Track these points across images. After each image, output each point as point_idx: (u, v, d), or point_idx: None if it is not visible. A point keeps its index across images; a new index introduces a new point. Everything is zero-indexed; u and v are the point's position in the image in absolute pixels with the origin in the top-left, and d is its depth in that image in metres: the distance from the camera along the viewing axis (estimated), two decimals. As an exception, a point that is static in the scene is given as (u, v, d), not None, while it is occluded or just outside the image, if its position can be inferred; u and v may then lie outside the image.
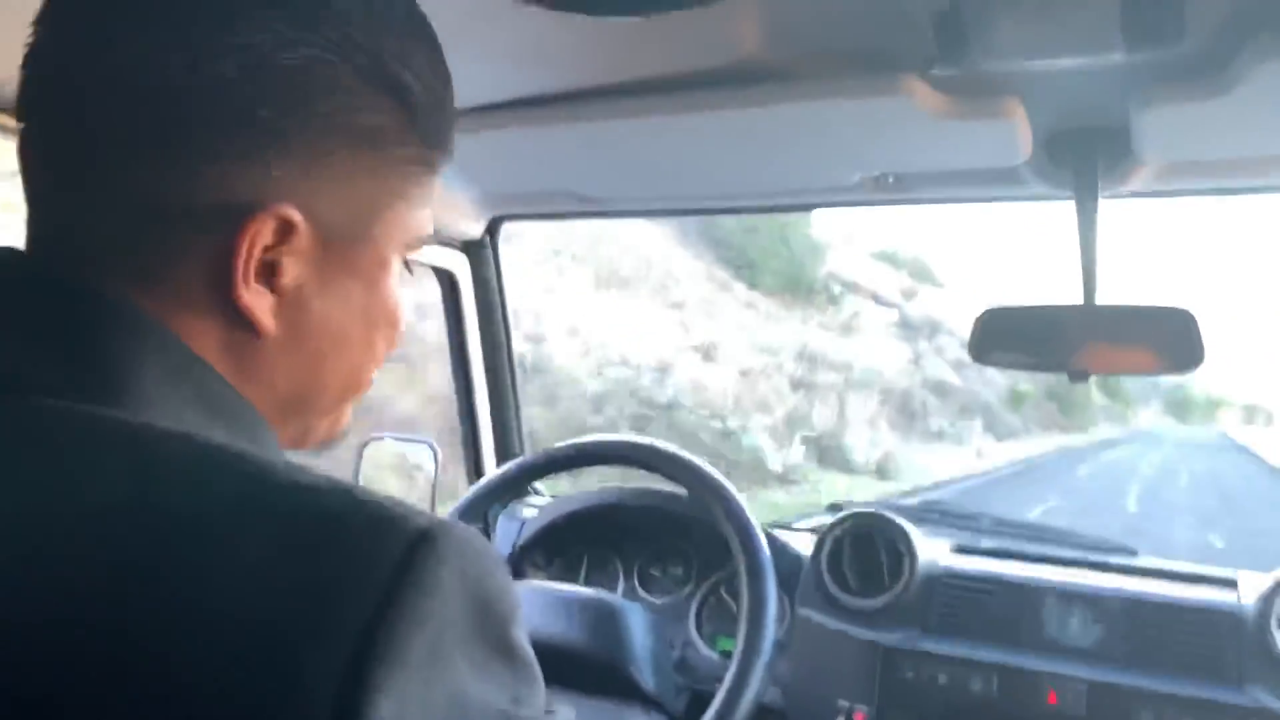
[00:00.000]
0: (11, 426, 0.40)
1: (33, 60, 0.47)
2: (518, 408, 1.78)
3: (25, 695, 0.35)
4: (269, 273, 0.46)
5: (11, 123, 0.49)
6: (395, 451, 1.66)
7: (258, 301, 0.46)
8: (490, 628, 0.40)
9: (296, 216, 0.45)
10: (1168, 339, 1.05)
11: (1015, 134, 1.02)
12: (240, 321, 0.46)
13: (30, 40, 0.47)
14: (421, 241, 0.53)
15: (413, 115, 0.48)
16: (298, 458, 0.46)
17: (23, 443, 0.39)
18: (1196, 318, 1.04)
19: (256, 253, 0.45)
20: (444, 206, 1.46)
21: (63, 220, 0.47)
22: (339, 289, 0.49)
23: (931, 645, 1.23)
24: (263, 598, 0.35)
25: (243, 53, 0.43)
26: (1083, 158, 1.05)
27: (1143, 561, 1.35)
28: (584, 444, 1.32)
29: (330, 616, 0.35)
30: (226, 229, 0.44)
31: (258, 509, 0.38)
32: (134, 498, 0.37)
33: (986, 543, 1.44)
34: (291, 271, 0.47)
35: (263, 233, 0.45)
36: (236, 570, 0.36)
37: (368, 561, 0.36)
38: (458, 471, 1.77)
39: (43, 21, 0.46)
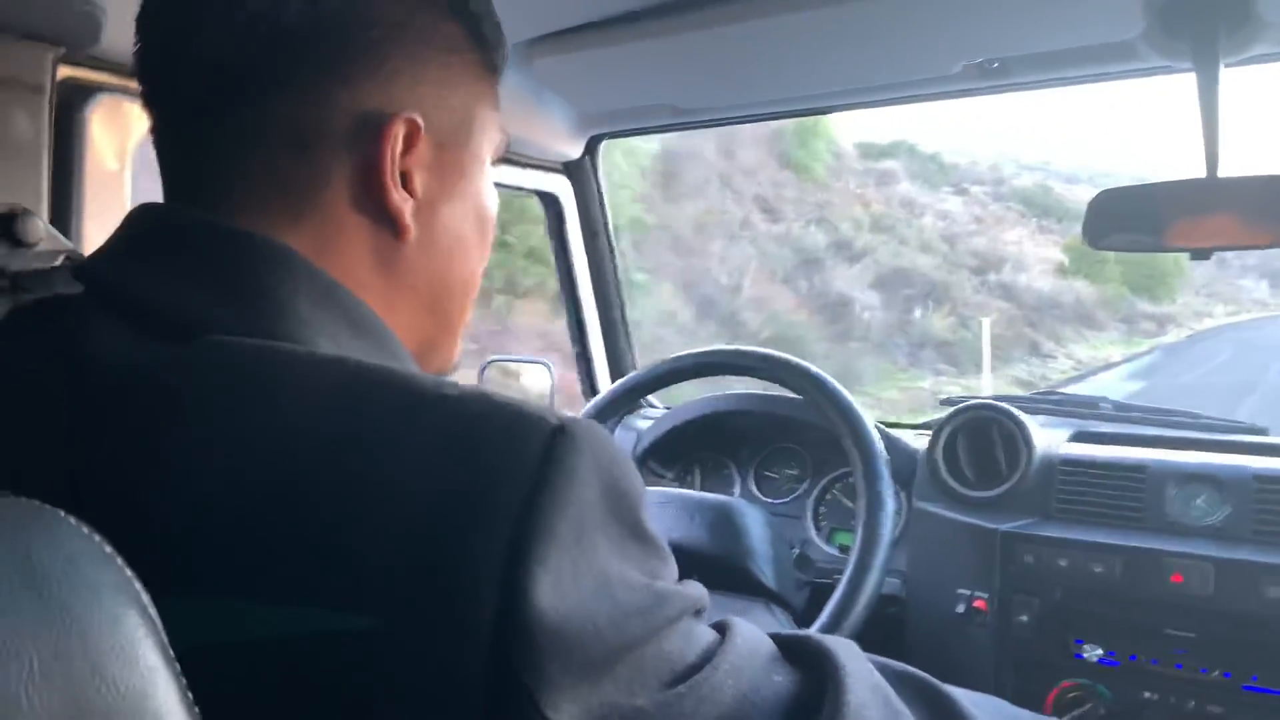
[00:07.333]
0: (204, 363, 0.45)
1: (146, 24, 0.52)
2: (626, 324, 1.82)
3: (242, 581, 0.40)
4: (404, 180, 0.53)
5: (133, 84, 0.54)
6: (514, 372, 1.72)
7: (403, 206, 0.53)
8: (624, 511, 0.44)
9: (421, 121, 0.52)
10: None
11: (1126, 5, 0.97)
12: (383, 230, 0.53)
13: (140, 7, 0.52)
14: (505, 144, 0.60)
15: (476, 24, 0.55)
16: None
17: (216, 377, 0.44)
18: None
19: (396, 159, 0.51)
20: (542, 129, 1.48)
21: (197, 168, 0.52)
22: (456, 190, 0.56)
23: (1051, 530, 1.23)
24: (427, 494, 0.40)
25: None
26: (1202, 25, 1.00)
27: (1274, 439, 1.32)
28: (694, 355, 1.35)
29: (487, 503, 0.40)
30: (368, 142, 0.51)
31: (413, 417, 0.42)
32: (306, 416, 0.42)
33: (1106, 429, 1.42)
34: (420, 177, 0.53)
35: (397, 141, 0.51)
36: (401, 472, 0.40)
37: (514, 455, 0.41)
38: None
39: None
